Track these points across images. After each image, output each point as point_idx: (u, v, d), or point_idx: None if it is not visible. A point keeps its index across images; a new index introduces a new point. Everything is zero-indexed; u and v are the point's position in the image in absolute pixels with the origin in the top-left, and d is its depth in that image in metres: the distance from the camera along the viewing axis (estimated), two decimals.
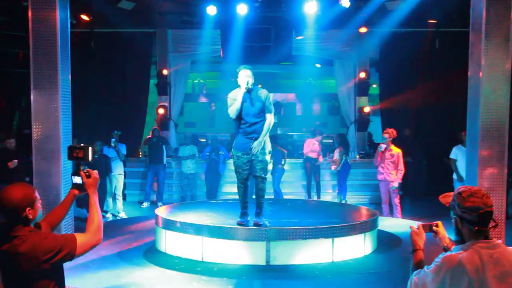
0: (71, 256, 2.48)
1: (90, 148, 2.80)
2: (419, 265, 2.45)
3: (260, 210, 5.97)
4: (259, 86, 6.09)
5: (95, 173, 2.72)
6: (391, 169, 8.30)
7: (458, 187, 2.43)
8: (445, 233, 2.63)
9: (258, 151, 5.74)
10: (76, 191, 2.80)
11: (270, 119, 5.84)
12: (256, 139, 5.76)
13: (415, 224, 2.67)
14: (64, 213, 2.85)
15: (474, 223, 2.28)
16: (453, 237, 2.46)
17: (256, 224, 5.86)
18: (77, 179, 2.71)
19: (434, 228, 2.60)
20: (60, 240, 2.47)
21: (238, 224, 5.89)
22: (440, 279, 2.24)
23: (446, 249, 2.48)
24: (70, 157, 2.83)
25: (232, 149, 5.98)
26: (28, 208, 2.46)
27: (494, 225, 2.32)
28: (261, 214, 5.98)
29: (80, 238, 2.52)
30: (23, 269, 2.40)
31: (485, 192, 2.35)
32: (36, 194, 2.55)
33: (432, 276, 2.26)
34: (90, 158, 2.80)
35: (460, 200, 2.33)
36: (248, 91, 5.78)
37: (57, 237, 2.49)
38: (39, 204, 2.55)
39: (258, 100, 5.80)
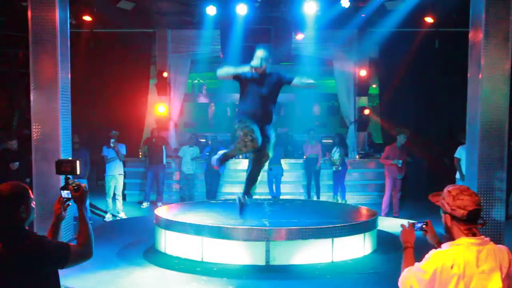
0: (63, 263, 2.42)
1: (78, 162, 2.77)
2: (409, 262, 2.52)
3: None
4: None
5: (83, 186, 2.68)
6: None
7: (448, 185, 2.47)
8: (435, 231, 2.69)
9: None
10: (54, 220, 2.71)
11: (300, 80, 5.65)
12: (262, 123, 5.56)
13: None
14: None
15: (463, 220, 2.34)
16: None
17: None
18: (66, 193, 2.68)
19: (424, 226, 2.66)
20: (57, 245, 2.42)
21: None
22: (430, 275, 2.30)
23: (435, 246, 2.51)
24: (58, 171, 2.78)
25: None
26: (22, 206, 2.39)
27: (482, 222, 2.39)
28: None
29: (74, 248, 2.47)
30: (17, 273, 2.30)
31: (474, 191, 2.40)
32: (30, 193, 2.47)
33: (422, 273, 2.33)
34: (78, 172, 2.76)
35: (449, 198, 2.38)
36: (262, 73, 5.57)
37: (53, 242, 2.43)
38: (33, 204, 2.47)
39: (270, 86, 5.58)
